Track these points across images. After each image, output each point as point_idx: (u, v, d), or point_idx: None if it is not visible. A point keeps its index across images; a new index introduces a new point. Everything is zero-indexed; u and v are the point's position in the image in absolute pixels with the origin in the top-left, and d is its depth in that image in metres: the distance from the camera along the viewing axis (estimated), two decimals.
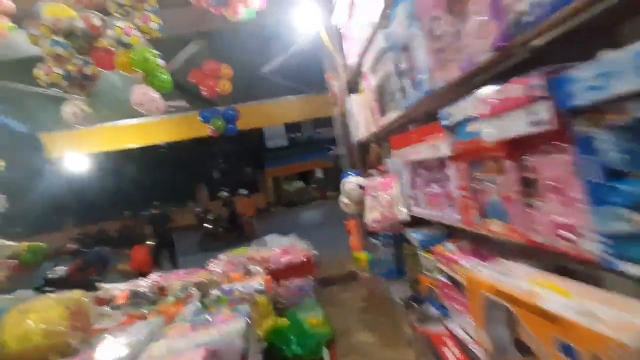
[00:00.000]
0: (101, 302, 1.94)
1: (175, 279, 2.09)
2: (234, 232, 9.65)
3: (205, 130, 4.40)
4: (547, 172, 0.73)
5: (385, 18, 1.51)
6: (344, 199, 2.34)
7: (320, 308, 1.89)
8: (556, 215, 0.74)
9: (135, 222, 13.11)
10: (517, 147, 0.79)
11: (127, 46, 2.27)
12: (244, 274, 2.06)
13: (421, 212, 1.54)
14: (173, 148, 14.88)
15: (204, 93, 3.84)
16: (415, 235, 1.61)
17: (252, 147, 17.91)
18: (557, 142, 0.68)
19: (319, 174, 19.04)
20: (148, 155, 14.82)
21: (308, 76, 4.47)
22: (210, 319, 1.18)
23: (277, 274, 2.31)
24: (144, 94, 2.40)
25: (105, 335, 1.16)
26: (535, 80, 0.63)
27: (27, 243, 3.08)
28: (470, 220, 1.08)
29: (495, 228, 0.97)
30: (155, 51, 2.35)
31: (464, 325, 1.19)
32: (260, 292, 1.72)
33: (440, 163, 1.26)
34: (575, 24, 0.62)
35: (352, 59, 2.34)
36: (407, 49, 1.32)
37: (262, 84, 4.92)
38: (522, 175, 0.82)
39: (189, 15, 2.70)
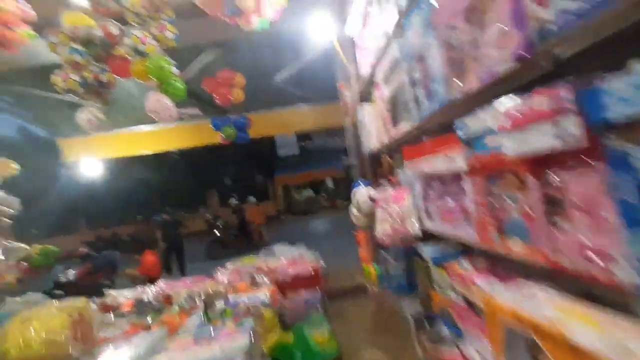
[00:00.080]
0: (107, 308, 1.93)
1: (181, 288, 2.07)
2: (243, 240, 9.65)
3: (217, 138, 4.44)
4: (574, 190, 0.68)
5: (400, 28, 1.48)
6: (354, 210, 2.30)
7: (327, 323, 1.83)
8: (584, 237, 0.68)
9: (147, 227, 13.29)
10: (541, 162, 0.74)
11: (143, 54, 2.31)
12: (250, 285, 2.02)
13: (434, 226, 1.49)
14: (186, 154, 15.12)
15: (217, 101, 3.88)
16: (427, 250, 1.55)
17: (263, 154, 18.05)
18: (586, 158, 0.63)
19: (329, 183, 19.00)
20: (161, 161, 15.10)
21: (320, 85, 4.48)
22: (214, 333, 1.14)
23: (284, 286, 2.27)
24: (158, 101, 2.43)
25: (107, 346, 1.13)
26: (562, 92, 0.59)
27: (39, 246, 3.13)
28: (488, 238, 1.03)
29: (514, 247, 0.91)
30: (170, 60, 2.38)
31: (480, 349, 1.12)
32: (266, 304, 1.68)
33: (455, 176, 1.21)
34: (608, 33, 0.58)
35: (364, 69, 2.33)
36: (422, 58, 1.28)
37: (275, 93, 4.95)
38: (546, 192, 0.77)
39: (204, 25, 2.74)
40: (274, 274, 2.37)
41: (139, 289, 2.26)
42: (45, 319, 1.06)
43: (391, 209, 1.76)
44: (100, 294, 2.38)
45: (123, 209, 16.38)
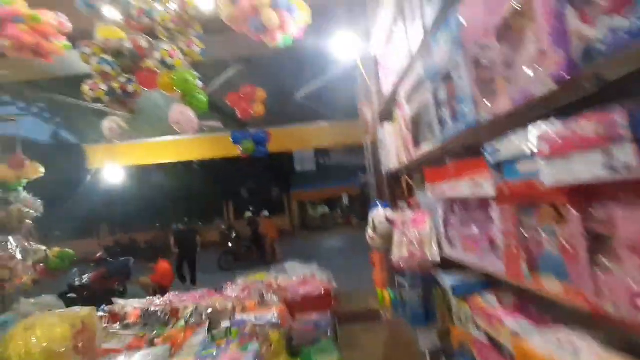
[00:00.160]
0: (114, 317, 1.90)
1: (189, 301, 2.03)
2: (256, 253, 9.62)
3: (236, 151, 4.49)
4: (625, 227, 0.60)
5: (426, 46, 1.44)
6: (369, 231, 2.22)
7: (337, 351, 1.73)
8: (634, 281, 0.60)
9: (164, 235, 13.53)
10: (584, 193, 0.66)
11: (170, 67, 2.37)
12: (258, 303, 1.96)
13: (455, 254, 1.39)
14: (206, 165, 15.47)
15: (238, 115, 3.95)
16: (447, 279, 1.44)
17: (281, 169, 18.22)
18: None
19: (345, 200, 18.87)
20: (182, 172, 15.49)
21: (340, 102, 4.49)
22: (216, 355, 1.08)
23: (293, 306, 2.19)
24: (181, 113, 2.48)
25: (108, 359, 1.09)
26: (616, 117, 0.52)
27: (57, 249, 3.19)
28: (517, 272, 0.94)
29: (549, 286, 0.82)
30: (195, 73, 2.44)
31: None
32: (273, 325, 1.61)
33: (481, 203, 1.13)
34: None
35: (386, 87, 2.30)
36: (449, 78, 1.23)
37: (295, 109, 5.00)
38: (589, 227, 0.68)
39: (229, 40, 2.81)
40: (284, 293, 2.30)
41: (148, 299, 2.24)
42: (48, 328, 1.03)
43: (410, 232, 1.68)
44: (111, 300, 2.38)
45: (142, 216, 16.79)
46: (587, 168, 0.58)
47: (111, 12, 2.23)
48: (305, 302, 2.32)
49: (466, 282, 1.39)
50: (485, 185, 1.00)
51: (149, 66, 2.40)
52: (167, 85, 2.44)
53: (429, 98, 1.44)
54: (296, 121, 5.52)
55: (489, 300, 1.13)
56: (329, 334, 2.03)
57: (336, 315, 2.45)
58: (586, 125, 0.57)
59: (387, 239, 2.02)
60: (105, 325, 1.61)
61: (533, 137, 0.73)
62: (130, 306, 2.05)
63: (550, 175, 0.67)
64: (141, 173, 12.65)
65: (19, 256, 2.49)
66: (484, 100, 1.01)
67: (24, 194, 3.13)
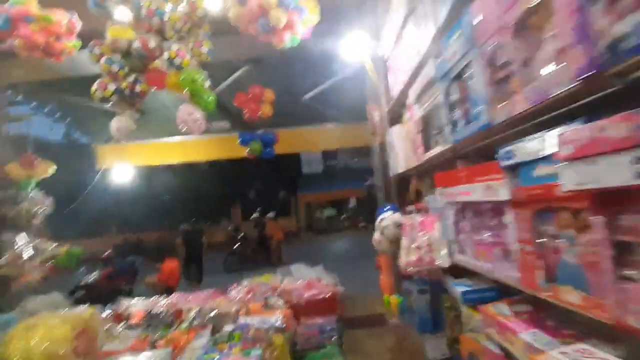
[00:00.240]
0: (118, 318, 1.90)
1: (193, 302, 2.01)
2: (262, 255, 9.62)
3: (243, 152, 4.49)
4: None
5: (437, 45, 1.41)
6: (376, 235, 2.17)
7: (342, 356, 1.69)
8: None
9: (171, 235, 13.65)
10: (610, 199, 0.62)
11: (178, 67, 2.37)
12: (263, 306, 1.93)
13: (466, 261, 1.35)
14: (213, 167, 15.56)
15: (245, 115, 3.94)
16: (457, 287, 1.40)
17: (288, 171, 18.24)
18: None
19: (352, 203, 18.78)
20: (190, 172, 15.60)
21: (348, 104, 4.46)
22: None
23: (298, 310, 2.15)
24: (189, 113, 2.47)
25: None
26: None
27: (66, 247, 3.21)
28: (533, 281, 0.89)
29: (568, 297, 0.77)
30: (203, 73, 2.43)
31: None
32: (278, 329, 1.58)
33: (494, 208, 1.09)
34: None
35: (395, 89, 2.26)
36: (461, 78, 1.20)
37: (303, 110, 4.98)
38: (614, 235, 0.64)
39: (238, 41, 2.81)
40: (289, 296, 2.27)
41: (153, 300, 2.23)
42: (49, 329, 1.02)
43: (418, 237, 1.63)
44: (117, 299, 2.38)
45: (150, 216, 16.94)
46: (615, 173, 0.54)
47: (122, 13, 2.25)
48: (310, 305, 2.28)
49: (477, 290, 1.34)
50: (499, 190, 0.96)
51: (158, 66, 2.41)
52: (175, 85, 2.44)
53: (440, 99, 1.40)
54: (304, 123, 5.51)
55: (502, 310, 1.08)
56: (334, 339, 1.99)
57: (342, 320, 2.40)
58: (614, 127, 0.53)
59: (395, 243, 1.98)
60: (108, 326, 1.60)
61: (553, 139, 0.69)
62: (135, 306, 2.05)
63: (572, 179, 0.63)
64: (150, 173, 12.79)
65: (27, 254, 2.51)
66: (499, 100, 0.97)
67: (34, 192, 3.17)
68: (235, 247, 9.56)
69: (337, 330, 2.10)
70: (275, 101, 3.91)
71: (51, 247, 2.95)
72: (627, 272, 0.63)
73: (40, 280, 2.83)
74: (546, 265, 0.85)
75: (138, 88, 2.17)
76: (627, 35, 0.58)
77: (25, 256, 2.57)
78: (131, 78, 2.19)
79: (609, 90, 0.66)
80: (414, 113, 1.83)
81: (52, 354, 0.98)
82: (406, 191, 2.39)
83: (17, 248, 2.56)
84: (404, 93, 2.01)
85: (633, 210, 0.58)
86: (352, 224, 17.19)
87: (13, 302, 2.26)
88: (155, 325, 1.76)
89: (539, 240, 0.87)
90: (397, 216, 2.04)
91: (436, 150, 1.55)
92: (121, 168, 5.50)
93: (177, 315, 1.87)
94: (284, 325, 1.71)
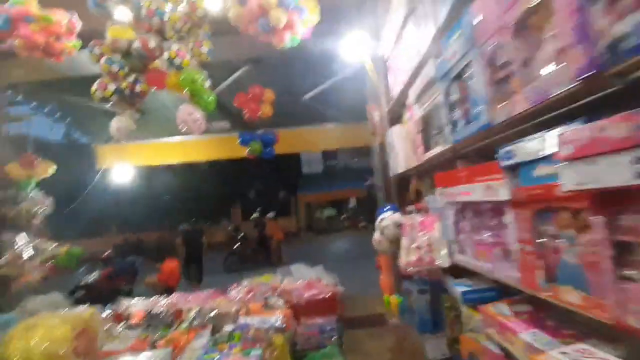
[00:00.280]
0: (118, 318, 1.90)
1: (193, 302, 2.01)
2: (262, 255, 9.62)
3: (243, 152, 4.49)
4: None
5: (437, 45, 1.41)
6: (376, 234, 2.18)
7: (342, 356, 1.69)
8: None
9: (171, 235, 13.64)
10: (610, 199, 0.62)
11: (178, 67, 2.37)
12: (263, 306, 1.93)
13: (466, 261, 1.35)
14: (213, 167, 15.56)
15: (246, 116, 3.94)
16: (457, 287, 1.40)
17: (288, 171, 18.24)
18: None
19: (352, 203, 18.78)
20: (190, 172, 15.60)
21: (348, 104, 4.46)
22: None
23: (298, 310, 2.15)
24: (189, 114, 2.47)
25: None
26: None
27: (66, 247, 3.21)
28: (534, 282, 0.89)
29: (568, 297, 0.78)
30: (203, 73, 2.43)
31: None
32: (278, 329, 1.58)
33: (494, 208, 1.09)
34: None
35: (395, 89, 2.26)
36: (461, 78, 1.20)
37: (303, 110, 4.98)
38: (614, 235, 0.64)
39: (238, 41, 2.81)
40: (289, 296, 2.27)
41: (153, 300, 2.23)
42: (49, 329, 1.02)
43: (418, 237, 1.63)
44: (117, 299, 2.38)
45: (150, 215, 16.94)
46: (615, 173, 0.54)
47: (122, 13, 2.25)
48: (310, 305, 2.28)
49: (477, 290, 1.34)
50: (499, 189, 0.96)
51: (158, 66, 2.41)
52: (175, 85, 2.44)
53: (440, 99, 1.41)
54: (304, 123, 5.51)
55: (502, 310, 1.08)
56: (334, 339, 1.99)
57: (342, 320, 2.40)
58: (615, 127, 0.53)
59: (395, 243, 1.98)
60: (108, 326, 1.60)
61: (553, 139, 0.69)
62: (135, 306, 2.05)
63: (572, 179, 0.63)
64: (150, 173, 12.79)
65: (27, 254, 2.51)
66: (498, 100, 0.97)
67: (34, 192, 3.17)
68: (235, 247, 9.56)
69: (337, 330, 2.10)
70: (275, 101, 3.90)
71: (51, 247, 2.95)
72: (627, 272, 0.63)
73: (40, 280, 2.83)
74: (546, 265, 0.85)
75: (138, 88, 2.17)
76: (627, 35, 0.58)
77: (25, 256, 2.57)
78: (131, 78, 2.19)
79: (609, 90, 0.66)
80: (414, 113, 1.83)
81: (52, 354, 0.98)
82: (406, 191, 2.39)
83: (17, 248, 2.56)
84: (404, 93, 2.01)
85: (633, 210, 0.58)
86: (352, 224, 17.19)
87: (13, 302, 2.26)
88: (155, 325, 1.76)
89: (539, 240, 0.87)
90: (397, 216, 2.04)
91: (436, 150, 1.55)
92: (121, 168, 5.49)
93: (177, 315, 1.87)
94: (284, 325, 1.71)
